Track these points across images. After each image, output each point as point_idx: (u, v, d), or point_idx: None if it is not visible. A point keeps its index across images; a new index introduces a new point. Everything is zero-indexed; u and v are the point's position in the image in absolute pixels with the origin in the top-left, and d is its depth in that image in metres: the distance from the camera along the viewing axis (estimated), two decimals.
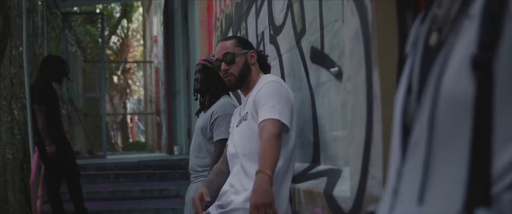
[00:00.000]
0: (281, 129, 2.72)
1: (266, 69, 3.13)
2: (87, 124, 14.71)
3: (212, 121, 3.66)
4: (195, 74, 3.86)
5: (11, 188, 6.79)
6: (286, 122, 2.73)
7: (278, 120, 2.70)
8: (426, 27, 1.05)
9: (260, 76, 2.98)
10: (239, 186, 2.91)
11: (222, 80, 3.79)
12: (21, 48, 7.16)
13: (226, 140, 3.61)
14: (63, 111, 10.28)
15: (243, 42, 3.11)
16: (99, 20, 16.56)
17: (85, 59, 16.27)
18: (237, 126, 3.00)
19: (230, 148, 3.04)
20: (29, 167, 7.28)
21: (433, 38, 1.01)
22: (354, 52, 2.11)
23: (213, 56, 3.87)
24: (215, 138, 3.64)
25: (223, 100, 3.70)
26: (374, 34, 1.94)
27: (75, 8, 13.83)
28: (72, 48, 12.75)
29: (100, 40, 15.30)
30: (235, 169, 2.96)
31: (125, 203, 7.27)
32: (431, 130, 0.94)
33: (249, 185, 2.83)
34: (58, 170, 6.35)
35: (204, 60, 3.83)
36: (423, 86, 1.00)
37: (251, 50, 3.05)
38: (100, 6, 18.62)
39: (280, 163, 2.81)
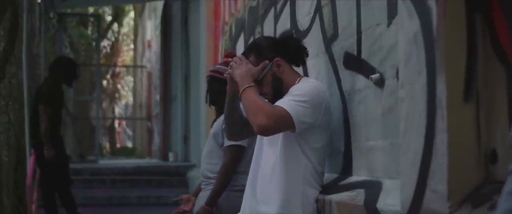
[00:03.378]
0: (288, 121, 2.57)
1: (298, 62, 2.89)
2: (76, 127, 14.48)
3: (223, 126, 3.57)
4: (207, 84, 3.79)
5: (6, 190, 6.60)
6: (294, 115, 2.57)
7: (290, 117, 2.56)
8: None
9: (301, 78, 2.79)
10: (262, 196, 2.78)
11: None
12: (18, 50, 6.99)
13: (237, 146, 3.49)
14: None
15: (262, 55, 2.78)
16: (92, 23, 16.41)
17: (77, 61, 16.07)
18: None
19: (257, 151, 2.90)
20: (23, 169, 7.11)
21: None
22: (411, 57, 1.98)
23: (222, 62, 3.77)
24: (226, 144, 3.55)
25: None
26: (440, 38, 1.81)
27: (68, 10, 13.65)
28: (66, 50, 12.58)
29: (94, 43, 15.15)
30: (259, 174, 2.82)
31: (121, 209, 7.12)
32: None
33: (274, 194, 2.71)
34: (54, 174, 6.20)
35: (211, 71, 3.72)
36: None
37: (275, 59, 2.76)
38: (92, 9, 18.43)
39: (303, 160, 2.70)
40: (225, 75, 2.95)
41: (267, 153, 2.79)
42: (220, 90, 3.64)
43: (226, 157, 3.56)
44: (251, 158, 3.03)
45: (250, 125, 3.04)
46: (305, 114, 2.60)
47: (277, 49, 2.80)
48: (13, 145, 7.10)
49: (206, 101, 3.85)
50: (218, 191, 3.53)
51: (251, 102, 2.61)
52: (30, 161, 6.62)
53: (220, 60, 5.86)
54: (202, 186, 3.79)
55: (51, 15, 10.92)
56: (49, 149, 6.01)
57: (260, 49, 2.80)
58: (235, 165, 3.53)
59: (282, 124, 2.58)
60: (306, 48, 2.89)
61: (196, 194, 3.88)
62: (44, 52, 8.95)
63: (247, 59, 2.81)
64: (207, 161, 3.74)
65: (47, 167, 6.15)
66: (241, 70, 2.72)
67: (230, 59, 3.72)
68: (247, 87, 2.65)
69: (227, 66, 3.67)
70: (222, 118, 3.65)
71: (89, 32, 17.72)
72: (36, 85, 7.92)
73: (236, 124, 3.02)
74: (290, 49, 2.83)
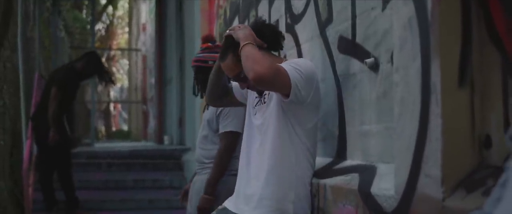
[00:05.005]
0: (286, 80, 2.52)
1: (277, 47, 2.85)
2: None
3: (218, 112, 3.57)
4: (194, 75, 3.74)
5: (2, 174, 6.60)
6: (292, 82, 2.53)
7: (289, 77, 2.52)
8: None
9: (286, 62, 2.76)
10: (254, 177, 2.79)
11: None
12: (13, 33, 6.95)
13: (233, 132, 3.49)
14: None
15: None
16: (86, 6, 16.31)
17: (72, 45, 16.00)
18: (254, 106, 2.85)
19: (248, 133, 2.90)
20: (19, 153, 7.10)
21: None
22: (406, 41, 1.98)
23: (202, 48, 3.68)
24: (221, 130, 3.55)
25: None
26: (435, 23, 1.80)
27: None
28: (60, 33, 12.52)
29: (88, 26, 15.08)
30: (251, 157, 2.83)
31: (118, 193, 7.13)
32: None
33: (265, 175, 2.71)
34: (52, 157, 6.21)
35: (196, 61, 3.65)
36: None
37: None
38: None
39: (296, 140, 2.69)
40: (225, 34, 2.85)
41: (258, 135, 2.78)
42: (201, 79, 3.61)
43: (221, 143, 3.56)
44: None
45: (231, 96, 3.04)
46: (300, 82, 2.57)
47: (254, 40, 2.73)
48: (9, 129, 7.09)
49: (194, 93, 3.80)
50: (214, 178, 3.52)
51: (252, 53, 2.53)
52: (26, 145, 6.61)
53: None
54: (196, 170, 3.80)
55: None
56: (55, 133, 6.03)
57: (236, 45, 2.71)
58: (230, 151, 3.52)
59: (279, 79, 2.51)
60: (281, 32, 2.87)
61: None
62: (38, 36, 8.90)
63: (225, 59, 2.77)
64: (201, 147, 3.73)
65: (46, 150, 6.16)
66: (245, 31, 2.67)
67: (210, 43, 3.68)
68: (249, 43, 2.59)
69: (205, 53, 3.64)
70: None
71: (84, 15, 17.62)
72: (30, 68, 7.91)
73: (218, 90, 3.06)
74: (267, 38, 2.78)
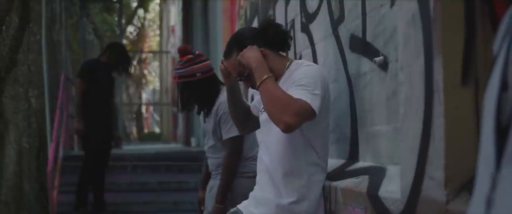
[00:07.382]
0: (311, 116, 2.43)
1: (283, 47, 2.75)
2: None
3: (218, 119, 3.50)
4: (180, 92, 3.59)
5: (27, 177, 6.65)
6: (316, 108, 2.42)
7: (309, 104, 2.41)
8: None
9: (292, 62, 2.68)
10: (264, 178, 2.74)
11: (208, 86, 3.49)
12: (38, 36, 7.01)
13: (237, 137, 3.41)
14: None
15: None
16: (118, 9, 16.45)
17: (101, 47, 16.16)
18: (262, 111, 2.78)
19: (260, 136, 2.84)
20: (45, 156, 7.15)
21: None
22: (410, 39, 1.91)
23: (182, 62, 3.50)
24: (225, 137, 3.48)
25: (222, 97, 3.44)
26: (437, 19, 1.73)
27: None
28: (89, 37, 12.63)
29: (117, 29, 15.19)
30: (267, 161, 2.77)
31: (142, 195, 7.13)
32: None
33: (274, 181, 2.67)
34: (97, 161, 6.25)
35: (180, 77, 3.51)
36: None
37: (260, 50, 2.60)
38: None
39: (307, 145, 2.62)
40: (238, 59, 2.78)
41: (268, 139, 2.72)
42: (197, 92, 3.52)
43: (225, 150, 3.49)
44: (254, 142, 2.96)
45: (253, 118, 2.95)
46: (319, 102, 2.46)
47: (259, 39, 2.68)
48: (34, 132, 7.14)
49: (183, 108, 3.70)
50: (223, 186, 3.48)
51: (276, 95, 2.41)
52: (51, 147, 6.66)
53: None
54: (212, 175, 3.74)
55: (74, 1, 10.95)
56: (79, 121, 6.06)
57: (243, 44, 2.65)
58: (236, 156, 3.46)
59: (306, 119, 2.44)
60: (287, 32, 2.79)
61: (204, 188, 3.85)
62: (65, 39, 8.98)
63: (230, 57, 2.72)
64: (210, 156, 3.70)
65: (92, 154, 6.20)
66: (254, 54, 2.57)
67: (190, 55, 3.55)
68: (266, 78, 2.48)
69: (188, 66, 3.48)
70: (212, 112, 3.54)
71: (116, 18, 17.79)
72: (57, 72, 7.97)
73: (240, 118, 2.99)
74: (269, 38, 2.70)
